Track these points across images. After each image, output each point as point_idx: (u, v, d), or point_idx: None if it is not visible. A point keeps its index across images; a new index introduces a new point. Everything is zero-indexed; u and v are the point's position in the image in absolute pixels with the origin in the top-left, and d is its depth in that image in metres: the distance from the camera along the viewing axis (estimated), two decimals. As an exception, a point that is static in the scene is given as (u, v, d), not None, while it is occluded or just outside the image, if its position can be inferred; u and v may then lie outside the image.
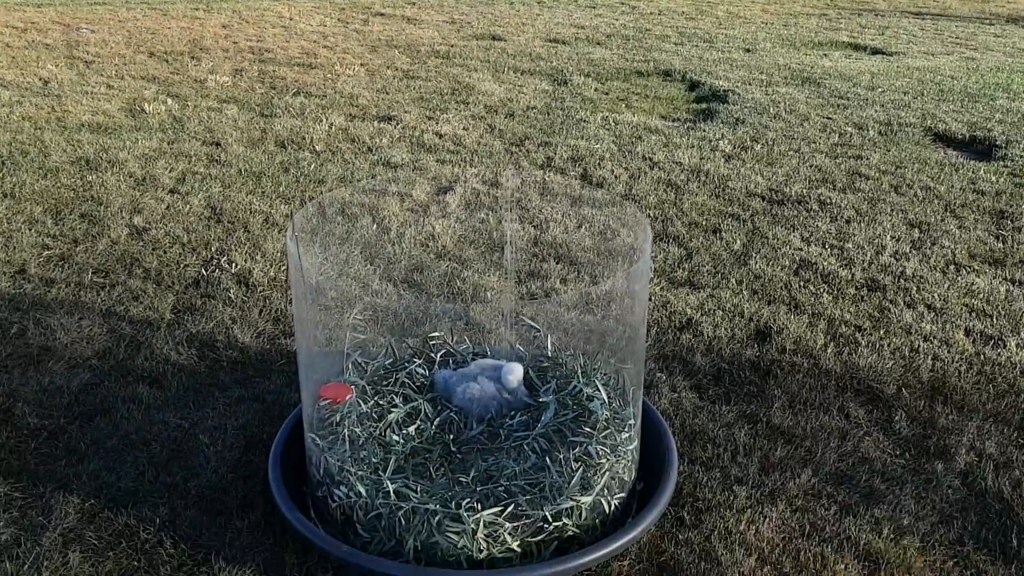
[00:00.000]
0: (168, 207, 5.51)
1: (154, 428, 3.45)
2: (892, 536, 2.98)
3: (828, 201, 5.81)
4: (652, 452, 3.16)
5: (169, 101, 7.96)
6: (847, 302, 4.51)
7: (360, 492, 2.76)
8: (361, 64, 9.80)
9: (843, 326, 4.27)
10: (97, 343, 4.02)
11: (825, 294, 4.58)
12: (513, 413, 3.20)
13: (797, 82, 9.22)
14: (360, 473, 2.80)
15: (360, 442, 2.94)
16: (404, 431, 3.04)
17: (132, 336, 4.08)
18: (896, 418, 3.61)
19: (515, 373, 3.25)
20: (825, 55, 11.05)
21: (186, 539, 2.91)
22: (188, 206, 5.52)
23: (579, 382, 3.20)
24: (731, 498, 3.10)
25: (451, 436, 3.06)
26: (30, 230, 5.16)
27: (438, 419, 3.13)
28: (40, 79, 8.67)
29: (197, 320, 4.23)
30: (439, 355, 3.49)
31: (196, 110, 7.70)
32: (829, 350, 4.06)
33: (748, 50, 11.18)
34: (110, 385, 3.72)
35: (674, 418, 3.55)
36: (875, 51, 11.40)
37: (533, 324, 3.49)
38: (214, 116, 7.51)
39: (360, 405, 3.09)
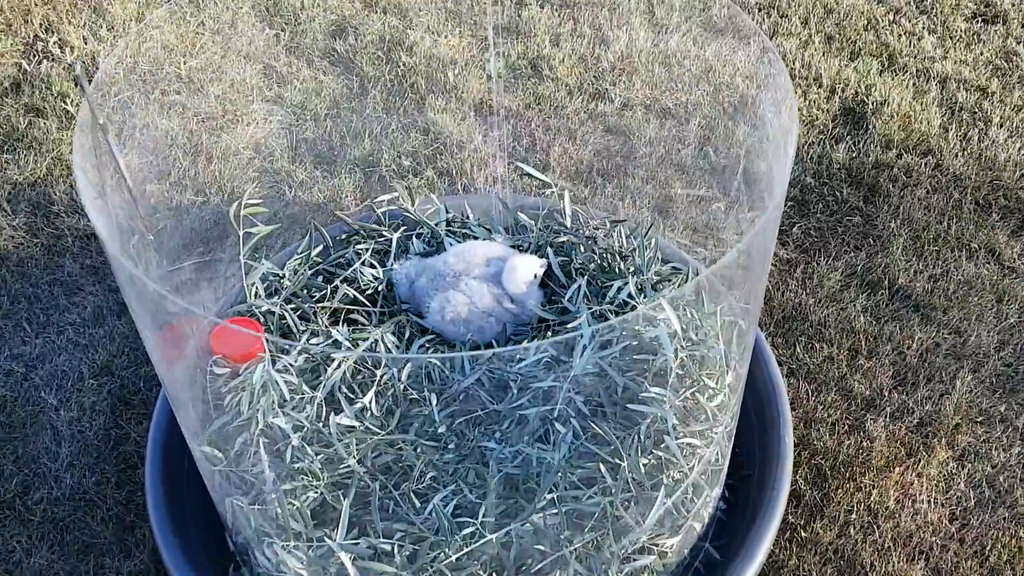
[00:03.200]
0: (-38, -52, 3.76)
1: (-31, 381, 2.23)
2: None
3: None
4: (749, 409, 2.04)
5: None
6: (958, 44, 3.17)
7: (297, 571, 1.65)
8: None
9: (962, 89, 2.98)
10: None
11: (927, 33, 3.22)
12: (522, 339, 2.04)
13: None
14: (291, 539, 1.67)
15: (288, 455, 1.77)
16: (356, 403, 1.87)
17: (-79, 200, 2.70)
18: (1066, 253, 2.49)
19: (523, 270, 2.02)
20: None
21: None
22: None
23: (625, 285, 1.98)
24: (865, 445, 2.05)
25: (432, 399, 1.91)
26: None
27: (408, 366, 1.95)
28: None
29: (23, 158, 2.82)
30: (396, 234, 2.21)
31: None
32: (952, 136, 2.81)
33: None
34: None
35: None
36: None
37: (536, 174, 2.19)
38: None
39: (274, 373, 1.87)
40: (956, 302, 2.36)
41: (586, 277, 2.05)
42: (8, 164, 2.79)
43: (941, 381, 2.18)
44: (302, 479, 1.73)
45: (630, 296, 1.96)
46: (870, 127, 2.83)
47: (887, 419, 2.10)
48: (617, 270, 2.07)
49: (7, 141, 2.88)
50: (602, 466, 1.72)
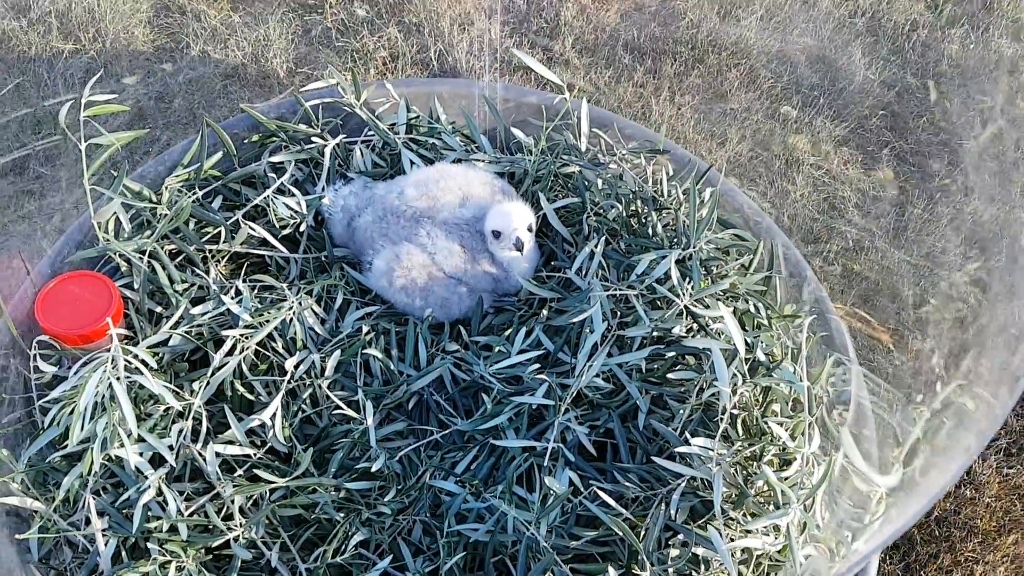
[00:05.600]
0: None
1: None
2: None
3: None
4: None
5: None
6: None
7: None
8: None
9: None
10: None
11: None
12: (502, 322, 1.41)
13: None
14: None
15: (137, 517, 1.16)
16: (251, 418, 1.26)
17: None
18: None
19: (510, 223, 1.36)
20: None
21: None
22: None
23: (663, 259, 1.32)
24: (967, 494, 1.49)
25: (368, 411, 1.29)
26: None
27: (335, 356, 1.32)
28: None
29: None
30: (332, 142, 1.51)
31: None
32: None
33: None
34: None
35: (826, 242, 1.75)
36: None
37: (541, 69, 1.46)
38: None
39: (115, 384, 1.22)
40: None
41: (603, 237, 1.39)
42: None
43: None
44: (156, 557, 1.13)
45: (667, 276, 1.30)
46: (995, 4, 2.08)
47: (1000, 456, 1.52)
48: (651, 230, 1.41)
49: None
50: (612, 569, 1.14)
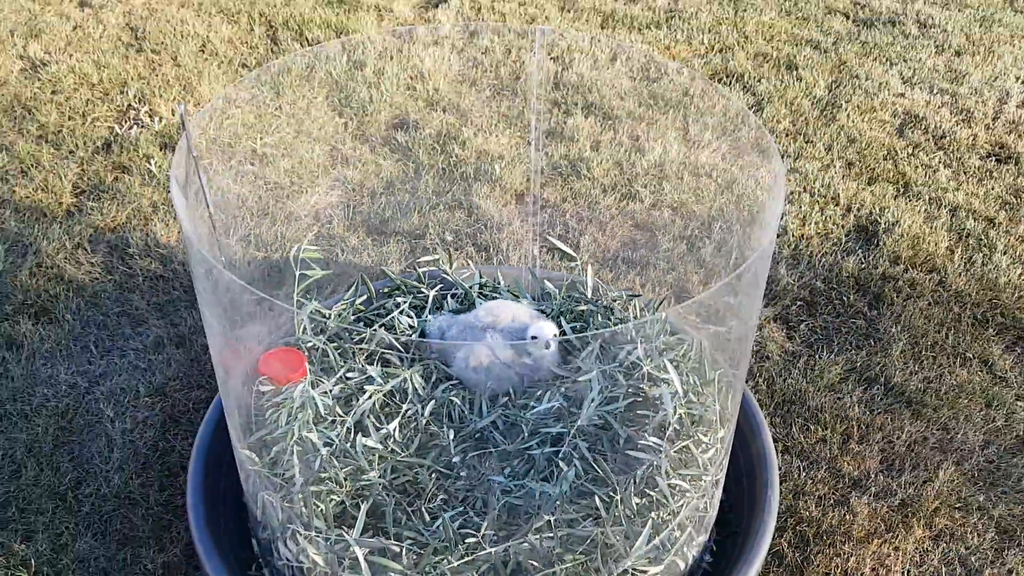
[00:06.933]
0: (76, 28, 4.24)
1: (39, 391, 2.47)
2: (1079, 584, 2.09)
3: (929, 21, 4.54)
4: (736, 455, 2.22)
5: None
6: (971, 179, 3.42)
7: (315, 560, 1.83)
8: None
9: (970, 218, 3.21)
10: (-31, 245, 2.97)
11: (942, 167, 3.47)
12: (535, 391, 2.23)
13: None
14: (313, 532, 1.85)
15: (316, 464, 1.97)
16: (382, 430, 2.07)
17: (17, 234, 3.01)
18: (1057, 369, 2.65)
19: (543, 332, 2.24)
20: None
21: (72, 592, 2.01)
22: (102, 27, 4.24)
23: (634, 350, 2.18)
24: (848, 518, 2.19)
25: (450, 434, 2.10)
26: None
27: (431, 404, 2.15)
28: None
29: (106, 207, 3.14)
30: (432, 291, 2.46)
31: None
32: (957, 258, 3.02)
33: None
34: (-18, 317, 2.71)
35: (757, 375, 2.58)
36: None
37: (564, 248, 2.43)
38: None
39: (312, 392, 2.08)
40: (947, 402, 2.51)
41: (599, 342, 2.26)
42: (92, 211, 3.12)
43: (926, 470, 2.32)
44: (327, 484, 1.92)
45: (638, 359, 2.16)
46: (880, 244, 3.05)
47: (871, 497, 2.24)
48: (629, 337, 2.28)
49: (94, 191, 3.22)
50: (598, 500, 1.89)
